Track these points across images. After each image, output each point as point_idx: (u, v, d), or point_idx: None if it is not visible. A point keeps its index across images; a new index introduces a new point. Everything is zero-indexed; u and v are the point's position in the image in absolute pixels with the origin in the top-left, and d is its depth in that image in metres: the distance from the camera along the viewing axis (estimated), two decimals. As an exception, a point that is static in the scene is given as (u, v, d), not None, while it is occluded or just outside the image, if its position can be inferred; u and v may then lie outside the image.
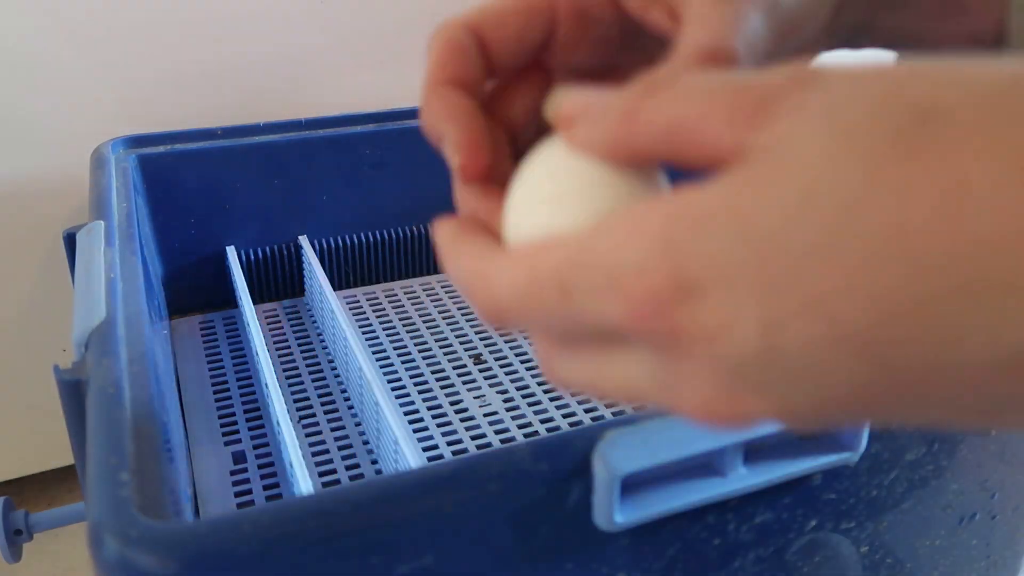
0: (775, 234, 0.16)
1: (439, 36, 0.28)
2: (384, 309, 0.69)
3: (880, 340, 0.16)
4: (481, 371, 0.61)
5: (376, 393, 0.50)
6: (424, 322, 0.67)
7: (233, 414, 0.57)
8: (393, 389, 0.59)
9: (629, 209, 0.19)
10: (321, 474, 0.51)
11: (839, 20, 0.31)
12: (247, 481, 0.51)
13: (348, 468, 0.52)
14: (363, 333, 0.65)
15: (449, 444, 0.54)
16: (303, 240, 0.68)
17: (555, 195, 0.22)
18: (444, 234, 0.24)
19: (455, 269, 0.23)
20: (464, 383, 0.60)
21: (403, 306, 0.69)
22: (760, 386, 0.18)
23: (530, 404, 0.58)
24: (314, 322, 0.67)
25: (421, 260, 0.73)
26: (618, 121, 0.20)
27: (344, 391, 0.59)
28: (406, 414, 0.56)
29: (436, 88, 0.27)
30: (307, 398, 0.58)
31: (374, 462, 0.52)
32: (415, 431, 0.55)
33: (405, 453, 0.46)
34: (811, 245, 0.16)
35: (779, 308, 0.16)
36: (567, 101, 0.21)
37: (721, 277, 0.17)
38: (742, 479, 0.32)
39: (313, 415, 0.57)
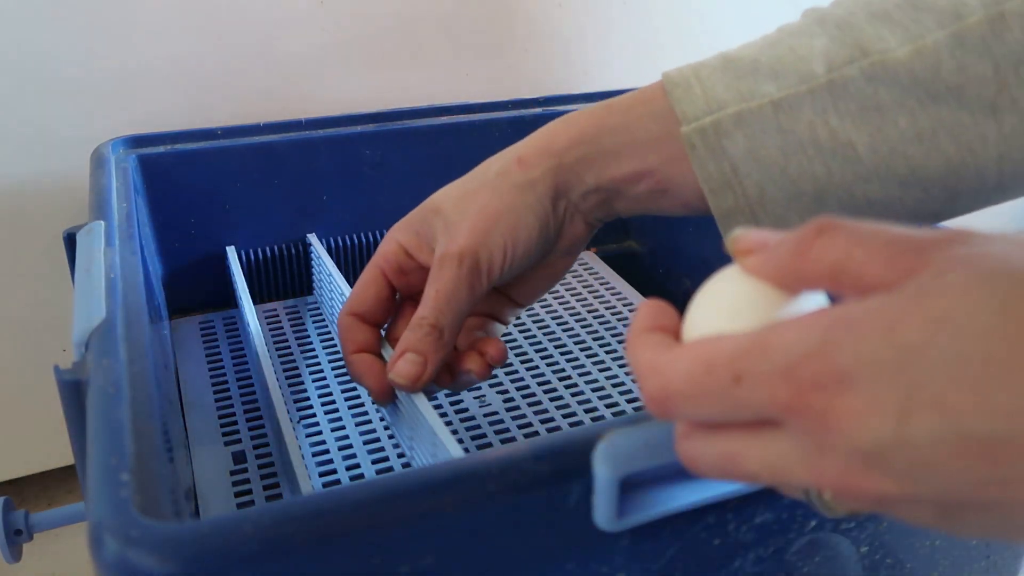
0: (917, 344, 0.20)
1: (339, 326, 0.47)
2: (384, 309, 0.69)
3: (994, 442, 0.19)
4: (481, 371, 0.61)
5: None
6: (424, 322, 0.67)
7: (233, 414, 0.57)
8: (393, 389, 0.59)
9: (799, 315, 0.23)
10: (321, 474, 0.51)
11: (589, 220, 0.45)
12: (247, 481, 0.51)
13: (348, 468, 0.52)
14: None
15: (449, 444, 0.54)
16: (312, 237, 0.68)
17: (730, 309, 0.26)
18: (637, 326, 0.28)
19: (634, 357, 0.26)
20: (464, 383, 0.60)
21: (403, 306, 0.69)
22: (890, 469, 0.21)
23: (530, 404, 0.58)
24: (315, 322, 0.67)
25: (421, 260, 0.73)
26: (791, 254, 0.24)
27: (345, 391, 0.59)
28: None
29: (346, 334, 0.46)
30: (307, 398, 0.58)
31: (374, 462, 0.52)
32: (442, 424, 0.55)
33: (445, 445, 0.45)
34: (945, 356, 0.19)
35: (913, 402, 0.20)
36: (748, 237, 0.26)
37: (868, 371, 0.20)
38: (742, 479, 0.32)
39: (313, 415, 0.56)
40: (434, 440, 0.44)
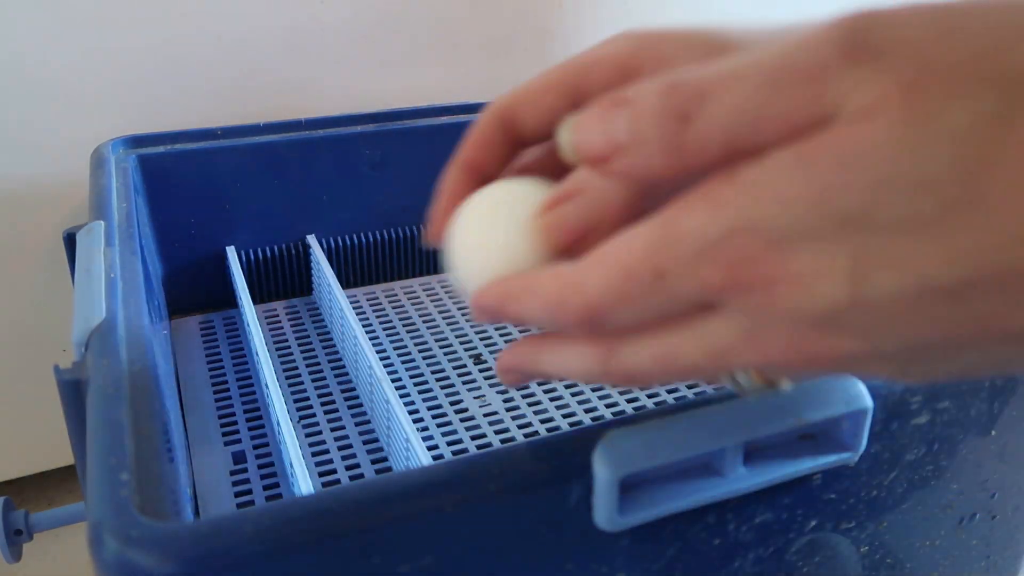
0: (855, 208, 0.18)
1: (477, 123, 0.30)
2: (384, 309, 0.69)
3: (962, 286, 0.17)
4: (481, 371, 0.61)
5: (387, 392, 0.50)
6: (424, 322, 0.67)
7: (233, 414, 0.57)
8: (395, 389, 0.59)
9: (696, 191, 0.20)
10: (321, 474, 0.51)
11: None
12: (247, 481, 0.51)
13: (348, 468, 0.52)
14: (364, 333, 0.65)
15: (449, 444, 0.54)
16: (311, 239, 0.68)
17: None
18: (509, 285, 0.25)
19: (535, 299, 0.23)
20: (464, 383, 0.60)
21: (403, 306, 0.69)
22: (847, 329, 0.19)
23: (530, 404, 0.58)
24: (315, 322, 0.67)
25: (421, 260, 0.73)
26: (666, 131, 0.20)
27: (345, 391, 0.59)
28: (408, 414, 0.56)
29: (453, 168, 0.31)
30: (307, 398, 0.58)
31: (374, 462, 0.52)
32: (416, 430, 0.55)
33: (416, 451, 0.46)
34: (893, 211, 0.17)
35: (865, 263, 0.18)
36: (583, 129, 0.22)
37: (805, 238, 0.18)
38: (742, 479, 0.32)
39: (313, 415, 0.56)
40: (407, 446, 0.44)
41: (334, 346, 0.64)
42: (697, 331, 0.22)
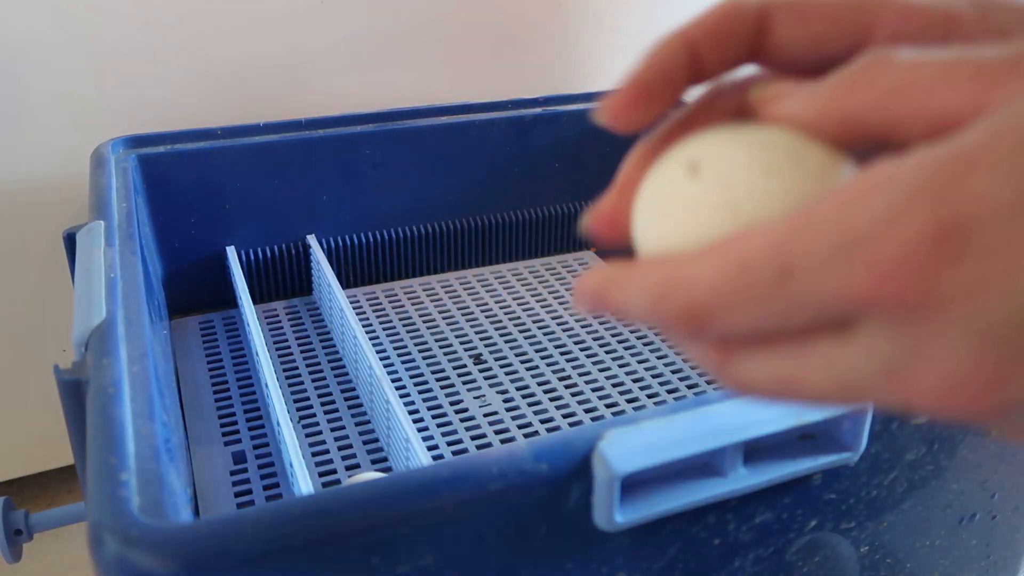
0: None
1: (653, 51, 0.24)
2: (384, 309, 0.69)
3: None
4: (481, 371, 0.61)
5: (387, 392, 0.50)
6: (424, 322, 0.67)
7: (233, 414, 0.57)
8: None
9: (859, 172, 0.16)
10: (321, 474, 0.51)
11: None
12: (247, 481, 0.51)
13: (348, 468, 0.52)
14: (364, 333, 0.65)
15: (449, 444, 0.54)
16: (311, 239, 0.68)
17: (730, 187, 0.18)
18: (617, 270, 0.20)
19: (637, 289, 0.19)
20: (464, 383, 0.60)
21: (403, 306, 0.69)
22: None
23: (530, 404, 0.58)
24: (315, 321, 0.67)
25: (421, 260, 0.73)
26: (832, 88, 0.18)
27: (345, 391, 0.59)
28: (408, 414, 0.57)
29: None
30: (307, 398, 0.58)
31: (374, 462, 0.52)
32: (416, 431, 0.55)
33: (416, 451, 0.46)
34: None
35: None
36: (777, 86, 0.20)
37: (995, 215, 0.14)
38: (742, 479, 0.32)
39: (313, 415, 0.56)
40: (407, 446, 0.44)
41: (334, 346, 0.64)
42: (826, 356, 0.18)
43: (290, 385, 0.60)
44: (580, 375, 0.61)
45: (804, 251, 0.16)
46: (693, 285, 0.18)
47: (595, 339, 0.65)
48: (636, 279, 0.20)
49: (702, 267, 0.18)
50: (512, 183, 0.73)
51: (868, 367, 0.17)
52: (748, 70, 0.24)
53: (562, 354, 0.63)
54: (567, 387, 0.60)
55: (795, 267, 0.16)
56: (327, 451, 0.53)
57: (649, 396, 0.59)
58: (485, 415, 0.57)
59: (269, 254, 0.69)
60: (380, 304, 0.69)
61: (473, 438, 0.54)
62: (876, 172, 0.16)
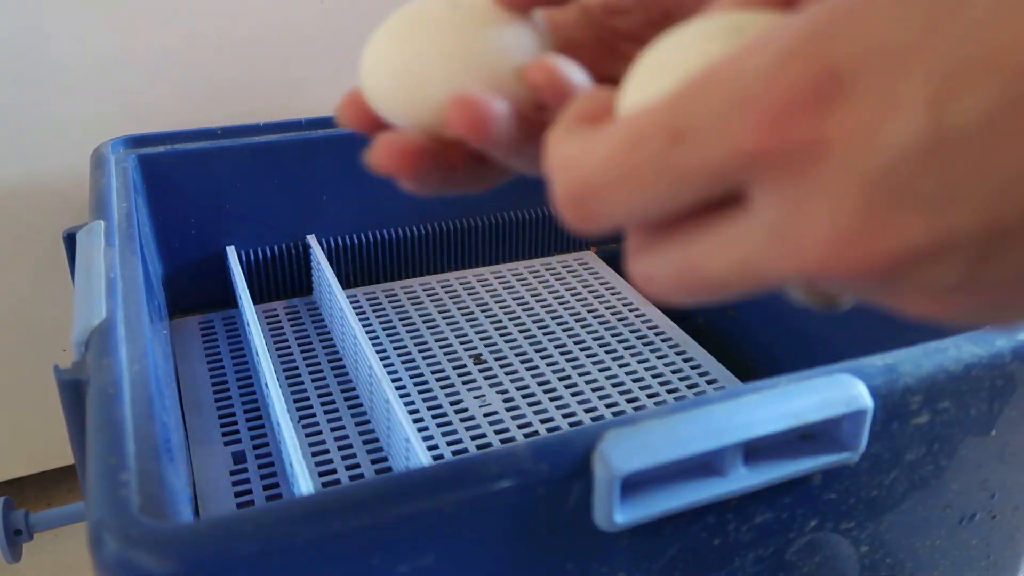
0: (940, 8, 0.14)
1: None
2: (384, 309, 0.69)
3: None
4: (481, 371, 0.61)
5: (387, 392, 0.50)
6: (424, 322, 0.67)
7: (233, 414, 0.57)
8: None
9: (750, 36, 0.16)
10: (321, 474, 0.51)
11: None
12: (247, 481, 0.51)
13: (348, 468, 0.52)
14: (364, 333, 0.65)
15: (449, 444, 0.54)
16: (311, 239, 0.68)
17: (676, 59, 0.18)
18: (561, 120, 0.20)
19: (547, 157, 0.19)
20: (464, 383, 0.60)
21: (403, 306, 0.69)
22: (918, 195, 0.14)
23: (530, 404, 0.58)
24: (315, 321, 0.67)
25: (421, 260, 0.73)
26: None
27: (345, 391, 0.59)
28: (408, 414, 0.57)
29: None
30: (307, 398, 0.58)
31: (374, 462, 0.52)
32: (416, 430, 0.55)
33: (416, 451, 0.46)
34: (980, 8, 0.14)
35: (952, 77, 0.14)
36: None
37: (873, 61, 0.14)
38: (742, 479, 0.32)
39: (313, 415, 0.56)
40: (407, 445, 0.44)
41: (334, 346, 0.64)
42: (722, 236, 0.17)
43: (290, 385, 0.60)
44: (580, 375, 0.61)
45: (696, 112, 0.16)
46: (586, 163, 0.18)
47: (595, 339, 0.65)
48: (548, 152, 0.19)
49: (596, 144, 0.17)
50: (512, 183, 0.73)
51: (759, 237, 0.16)
52: None
53: (562, 354, 0.63)
54: (567, 387, 0.60)
55: (687, 130, 0.16)
56: (327, 451, 0.53)
57: (649, 396, 0.59)
58: (485, 415, 0.57)
59: (269, 254, 0.69)
60: (380, 304, 0.69)
61: (473, 438, 0.54)
62: (769, 32, 0.16)
